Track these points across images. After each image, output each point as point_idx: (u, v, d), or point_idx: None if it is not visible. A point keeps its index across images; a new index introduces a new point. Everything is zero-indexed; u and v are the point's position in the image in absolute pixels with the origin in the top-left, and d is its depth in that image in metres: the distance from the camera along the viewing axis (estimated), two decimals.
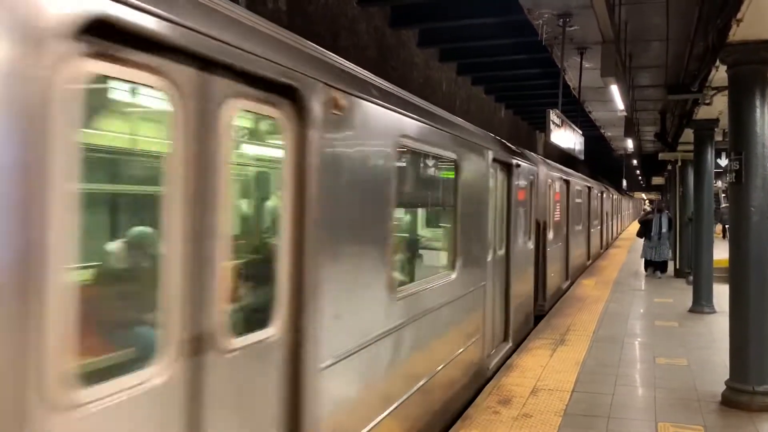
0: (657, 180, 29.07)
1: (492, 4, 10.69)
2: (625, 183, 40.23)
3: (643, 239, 16.56)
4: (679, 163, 15.40)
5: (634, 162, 29.49)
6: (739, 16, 4.91)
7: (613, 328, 9.54)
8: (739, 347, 5.97)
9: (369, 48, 11.90)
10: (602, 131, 21.74)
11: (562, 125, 8.72)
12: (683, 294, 12.42)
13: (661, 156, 16.34)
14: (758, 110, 5.75)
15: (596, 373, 7.05)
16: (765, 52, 5.62)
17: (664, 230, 15.74)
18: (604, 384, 6.62)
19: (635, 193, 56.41)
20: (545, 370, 7.09)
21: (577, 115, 13.40)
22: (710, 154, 10.87)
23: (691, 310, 10.82)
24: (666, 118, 14.54)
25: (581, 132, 10.61)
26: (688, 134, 11.48)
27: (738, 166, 5.83)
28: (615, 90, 7.58)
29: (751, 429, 5.36)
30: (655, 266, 16.04)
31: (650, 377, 6.94)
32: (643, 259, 16.58)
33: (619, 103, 8.97)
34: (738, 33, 5.33)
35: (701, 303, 10.69)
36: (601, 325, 9.73)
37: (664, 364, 7.47)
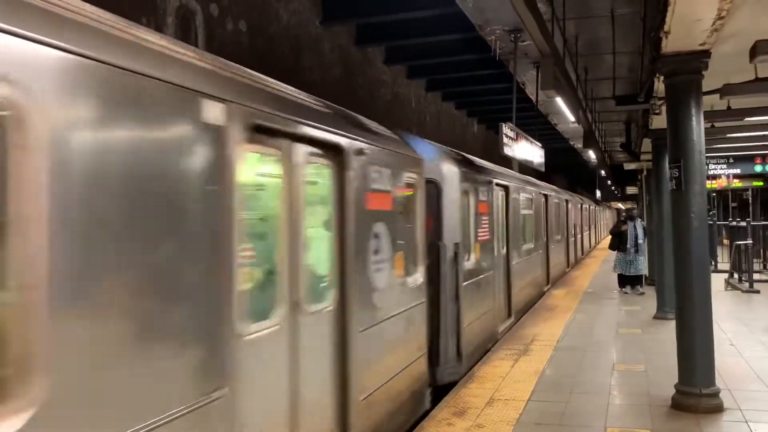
0: (632, 189, 29.48)
1: (453, 22, 10.88)
2: (599, 193, 40.69)
3: (616, 252, 14.55)
4: (645, 173, 15.63)
5: (604, 173, 29.77)
6: (666, 28, 5.08)
7: (578, 337, 9.64)
8: (686, 351, 6.09)
9: (334, 66, 12.03)
10: (571, 143, 22.05)
11: (517, 138, 8.86)
12: (651, 301, 12.57)
13: (626, 166, 16.59)
14: (694, 119, 5.93)
15: (554, 382, 7.12)
16: (696, 63, 5.80)
17: (640, 241, 14.07)
18: (560, 392, 6.70)
19: (612, 203, 56.93)
20: (504, 381, 7.16)
21: (536, 128, 13.58)
22: (667, 163, 11.05)
23: (655, 317, 10.97)
24: (631, 129, 14.83)
25: (540, 144, 10.76)
26: (648, 143, 11.72)
27: (678, 174, 6.00)
28: (561, 102, 7.75)
29: (696, 430, 5.45)
30: (632, 282, 14.34)
31: (606, 384, 7.03)
32: (617, 275, 14.73)
33: (569, 115, 9.14)
34: (669, 45, 5.51)
35: (665, 309, 10.83)
36: (566, 334, 9.83)
37: (622, 371, 7.57)
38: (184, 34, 8.13)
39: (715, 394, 5.92)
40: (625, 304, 13.01)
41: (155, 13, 7.67)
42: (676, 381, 6.27)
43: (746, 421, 5.62)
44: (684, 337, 6.10)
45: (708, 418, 5.74)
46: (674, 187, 6.01)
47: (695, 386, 5.91)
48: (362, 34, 12.34)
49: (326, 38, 11.62)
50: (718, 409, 5.87)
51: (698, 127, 5.92)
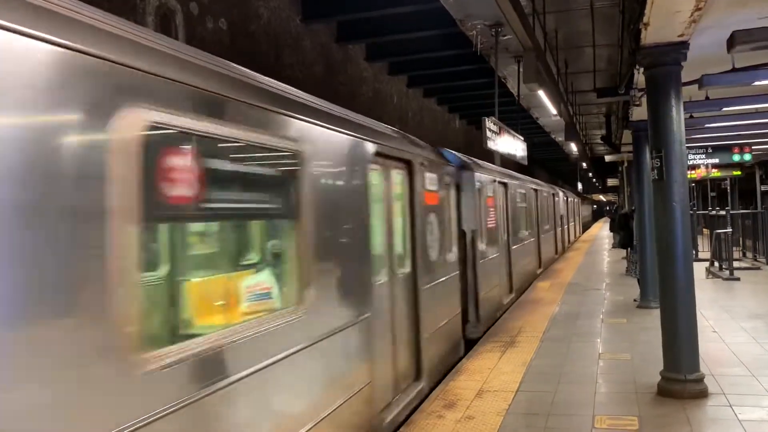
0: (612, 182, 29.76)
1: (434, 17, 10.91)
2: (580, 186, 41.02)
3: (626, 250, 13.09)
4: (625, 164, 15.80)
5: (585, 165, 29.97)
6: (645, 20, 5.15)
7: (564, 327, 9.73)
8: (670, 338, 6.18)
9: (316, 64, 12.00)
10: (553, 137, 22.22)
11: (500, 132, 8.92)
12: (634, 291, 12.73)
13: (607, 158, 16.74)
14: (674, 109, 6.01)
15: (542, 372, 7.19)
16: (676, 54, 5.88)
17: None
18: (548, 383, 6.77)
19: (594, 195, 57.48)
20: (492, 372, 7.22)
21: (518, 122, 13.64)
22: (647, 154, 11.20)
23: (639, 306, 11.11)
24: (611, 121, 14.97)
25: (522, 138, 10.84)
26: (628, 135, 11.84)
27: (659, 164, 6.07)
28: (543, 95, 7.81)
29: (682, 416, 5.55)
30: None
31: (593, 373, 7.11)
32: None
33: (551, 108, 9.22)
34: (648, 37, 5.58)
35: (648, 298, 10.98)
36: (552, 325, 9.92)
37: (608, 360, 7.66)
38: (165, 33, 8.07)
39: (700, 380, 6.03)
40: (609, 293, 13.15)
41: (134, 12, 7.61)
42: (662, 368, 6.36)
43: (730, 405, 5.73)
44: (669, 324, 6.19)
45: (693, 403, 5.84)
46: (656, 177, 6.09)
47: (680, 372, 6.00)
48: (343, 31, 12.32)
49: (307, 36, 11.59)
50: (703, 394, 5.97)
51: (678, 117, 6.01)
